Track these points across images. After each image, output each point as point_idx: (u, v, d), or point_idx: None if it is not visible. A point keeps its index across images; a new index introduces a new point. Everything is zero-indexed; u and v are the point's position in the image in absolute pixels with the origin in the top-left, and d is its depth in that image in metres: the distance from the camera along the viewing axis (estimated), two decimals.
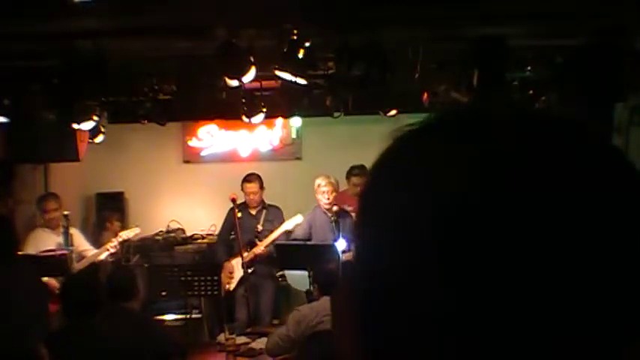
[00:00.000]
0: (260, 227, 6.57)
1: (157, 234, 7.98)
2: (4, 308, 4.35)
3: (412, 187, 0.48)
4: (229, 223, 6.61)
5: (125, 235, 6.62)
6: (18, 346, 4.26)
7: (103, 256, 6.41)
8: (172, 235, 8.01)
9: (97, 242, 6.78)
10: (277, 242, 6.34)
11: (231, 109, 6.78)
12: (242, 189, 6.62)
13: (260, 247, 6.42)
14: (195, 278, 5.79)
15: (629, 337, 0.45)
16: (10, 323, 4.30)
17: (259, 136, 8.55)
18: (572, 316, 0.44)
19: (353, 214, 6.01)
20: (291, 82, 4.90)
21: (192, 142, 8.65)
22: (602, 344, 0.45)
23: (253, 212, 6.64)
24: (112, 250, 6.44)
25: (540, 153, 0.46)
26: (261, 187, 6.64)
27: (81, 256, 6.40)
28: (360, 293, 0.51)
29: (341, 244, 5.72)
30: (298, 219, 6.37)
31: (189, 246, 7.91)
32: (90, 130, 6.52)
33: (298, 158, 8.52)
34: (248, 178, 6.65)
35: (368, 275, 0.51)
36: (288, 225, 6.39)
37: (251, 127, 8.07)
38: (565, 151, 0.47)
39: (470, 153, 0.47)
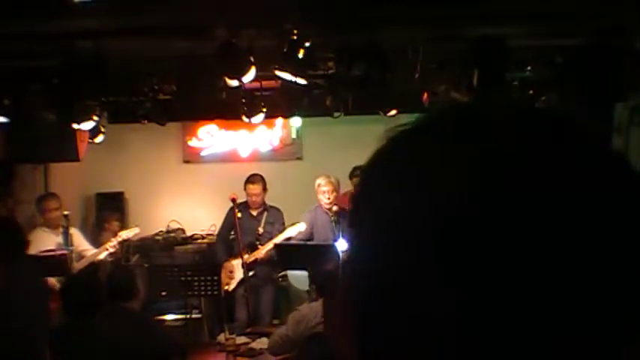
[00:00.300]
0: (261, 230, 6.56)
1: (157, 234, 7.98)
2: (5, 308, 4.35)
3: (408, 187, 0.48)
4: (229, 222, 6.61)
5: (125, 234, 6.62)
6: (19, 345, 4.26)
7: (102, 256, 6.41)
8: (172, 235, 8.01)
9: (97, 242, 6.77)
10: (277, 242, 6.34)
11: (231, 109, 6.78)
12: (245, 189, 6.61)
13: (261, 252, 6.41)
14: (195, 278, 5.79)
15: (628, 337, 0.45)
16: (12, 323, 4.30)
17: (259, 136, 8.54)
18: (571, 316, 0.44)
19: None
20: (291, 82, 4.90)
21: (192, 142, 8.65)
22: (601, 344, 0.45)
23: (254, 213, 6.63)
24: (112, 250, 6.44)
25: (541, 153, 0.46)
26: (264, 189, 6.63)
27: (80, 256, 6.40)
28: (359, 293, 0.51)
29: (341, 244, 5.72)
30: (301, 227, 6.33)
31: (189, 246, 7.91)
32: (90, 130, 6.53)
33: (298, 158, 8.51)
34: (251, 180, 6.63)
35: (366, 275, 0.50)
36: (290, 232, 6.36)
37: (251, 127, 8.07)
38: (565, 151, 0.47)
39: (469, 153, 0.47)
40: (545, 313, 0.44)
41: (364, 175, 0.54)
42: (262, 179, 6.64)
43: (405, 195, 0.48)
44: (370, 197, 0.52)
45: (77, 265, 6.21)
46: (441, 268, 0.45)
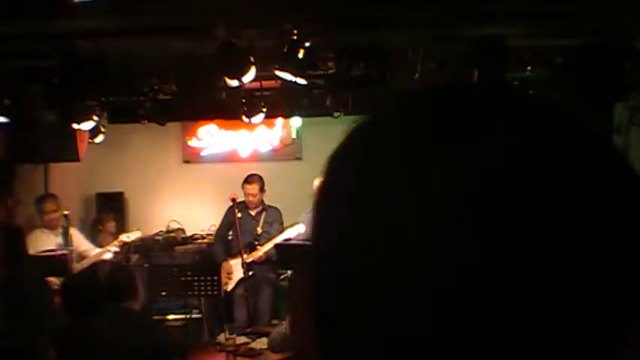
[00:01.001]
0: (260, 230, 6.56)
1: (157, 234, 7.98)
2: (6, 308, 4.36)
3: (391, 182, 0.46)
4: (228, 221, 6.62)
5: (126, 237, 6.61)
6: (21, 345, 4.27)
7: (106, 256, 6.41)
8: (172, 235, 8.01)
9: (94, 243, 6.77)
10: (277, 242, 6.33)
11: (231, 109, 6.78)
12: (242, 189, 6.62)
13: (259, 253, 6.41)
14: (195, 278, 5.79)
15: (623, 337, 0.45)
16: (13, 322, 4.31)
17: (259, 136, 8.54)
18: (571, 326, 0.43)
19: None
20: (291, 82, 4.90)
21: (192, 142, 8.64)
22: (597, 344, 0.44)
23: (253, 213, 6.64)
24: (113, 253, 6.45)
25: (540, 151, 0.45)
26: (262, 189, 6.62)
27: (81, 256, 6.39)
28: (324, 293, 0.49)
29: None
30: (300, 228, 6.33)
31: (189, 246, 7.92)
32: (90, 130, 6.53)
33: (298, 158, 8.51)
34: (248, 180, 6.63)
35: (334, 275, 0.48)
36: (289, 233, 6.35)
37: (251, 127, 8.07)
38: (565, 149, 0.46)
39: (463, 150, 0.45)
40: (541, 315, 0.43)
41: (336, 161, 0.51)
42: (260, 179, 6.63)
43: (388, 190, 0.46)
44: (338, 192, 0.49)
45: (77, 266, 6.20)
46: (434, 273, 0.43)
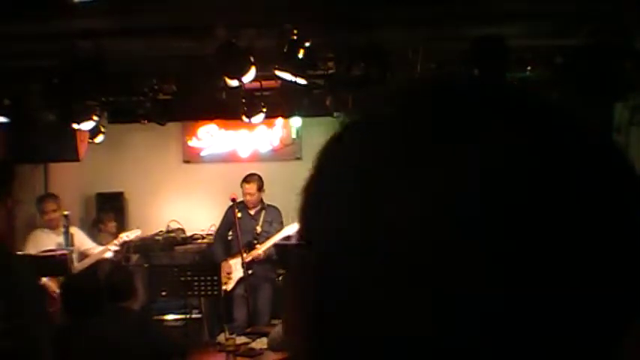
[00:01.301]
0: (259, 229, 6.57)
1: (156, 234, 7.98)
2: (5, 307, 4.35)
3: (381, 187, 0.45)
4: (228, 221, 6.63)
5: (126, 236, 6.62)
6: (20, 345, 4.27)
7: (107, 255, 6.42)
8: (172, 235, 8.01)
9: (95, 243, 6.78)
10: (277, 242, 6.34)
11: (231, 109, 6.78)
12: (241, 188, 6.63)
13: (258, 252, 6.42)
14: (195, 278, 5.79)
15: (621, 339, 0.45)
16: (12, 322, 4.30)
17: (259, 136, 8.54)
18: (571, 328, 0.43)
19: None
20: (291, 82, 4.90)
21: (192, 142, 8.64)
22: (597, 343, 0.44)
23: (252, 212, 6.64)
24: (112, 253, 6.45)
25: (545, 152, 0.45)
26: (259, 189, 6.63)
27: (84, 255, 6.40)
28: (318, 293, 0.48)
29: None
30: None
31: (189, 246, 7.92)
32: (90, 130, 6.53)
33: (298, 158, 8.50)
34: (247, 179, 6.65)
35: (329, 276, 0.48)
36: (288, 231, 6.37)
37: (251, 127, 8.07)
38: (566, 151, 0.46)
39: (464, 151, 0.44)
40: (540, 315, 0.43)
41: (331, 160, 0.50)
42: (258, 179, 6.64)
43: (388, 190, 0.45)
44: (340, 189, 0.49)
45: (78, 266, 6.21)
46: (434, 273, 0.43)
